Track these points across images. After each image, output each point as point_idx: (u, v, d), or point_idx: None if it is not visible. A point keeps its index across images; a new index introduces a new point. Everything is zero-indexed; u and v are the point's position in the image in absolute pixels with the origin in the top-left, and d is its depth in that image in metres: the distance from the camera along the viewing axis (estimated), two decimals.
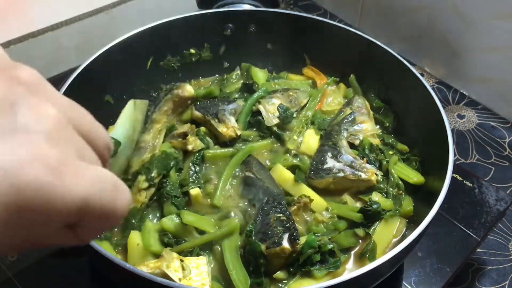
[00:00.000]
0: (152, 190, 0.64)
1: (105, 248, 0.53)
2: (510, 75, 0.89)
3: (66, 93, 0.67)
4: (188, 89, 0.73)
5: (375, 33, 0.75)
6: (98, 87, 0.73)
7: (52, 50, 1.01)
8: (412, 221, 0.65)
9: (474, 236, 0.72)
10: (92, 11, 1.04)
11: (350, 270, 0.60)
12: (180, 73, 0.79)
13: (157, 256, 0.58)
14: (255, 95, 0.74)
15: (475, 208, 0.74)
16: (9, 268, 0.69)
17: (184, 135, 0.68)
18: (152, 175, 0.64)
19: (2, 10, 1.02)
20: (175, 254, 0.57)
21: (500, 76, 0.91)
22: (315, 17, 0.80)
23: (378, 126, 0.74)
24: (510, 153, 0.88)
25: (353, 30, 0.77)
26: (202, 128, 0.70)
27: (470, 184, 0.77)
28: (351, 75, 0.79)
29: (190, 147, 0.67)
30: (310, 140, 0.71)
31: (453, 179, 0.66)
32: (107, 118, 0.72)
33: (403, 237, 0.63)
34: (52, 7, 1.04)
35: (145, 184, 0.64)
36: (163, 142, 0.69)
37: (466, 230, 0.72)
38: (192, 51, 0.79)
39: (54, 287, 0.69)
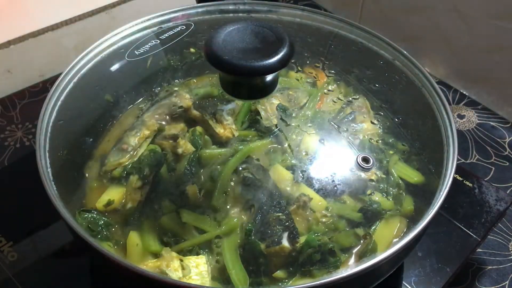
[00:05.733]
0: (147, 188, 0.64)
1: (105, 248, 0.54)
2: (510, 75, 0.89)
3: (66, 92, 0.67)
4: (186, 102, 0.73)
5: (375, 32, 0.76)
6: (97, 86, 0.73)
7: (52, 49, 1.01)
8: (413, 221, 0.65)
9: (474, 236, 0.72)
10: (92, 11, 1.04)
11: None
12: (180, 72, 0.79)
13: (156, 255, 0.58)
14: None
15: (475, 208, 0.74)
16: (9, 268, 0.69)
17: (175, 138, 0.68)
18: (145, 173, 0.64)
19: (2, 10, 1.02)
20: (174, 254, 0.57)
21: (500, 76, 0.91)
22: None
23: (378, 126, 0.74)
24: (510, 153, 0.88)
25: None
26: (198, 128, 0.70)
27: (470, 184, 0.77)
28: (352, 74, 0.79)
29: (180, 151, 0.66)
30: (310, 140, 0.70)
31: (453, 179, 0.66)
32: (107, 117, 0.72)
33: (404, 237, 0.63)
34: (52, 7, 1.05)
35: (139, 183, 0.64)
36: (151, 143, 0.69)
37: (466, 230, 0.72)
38: (192, 50, 0.79)
39: (54, 287, 0.69)
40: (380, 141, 0.71)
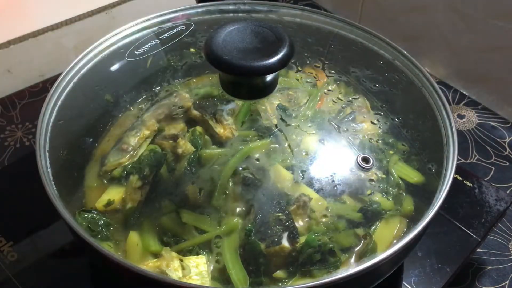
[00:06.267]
0: (147, 187, 0.64)
1: (105, 248, 0.54)
2: (510, 75, 0.89)
3: (66, 92, 0.67)
4: (186, 103, 0.73)
5: (374, 31, 0.76)
6: (97, 86, 0.73)
7: (52, 50, 1.01)
8: (413, 221, 0.65)
9: (474, 236, 0.72)
10: (92, 11, 1.04)
11: None
12: (180, 72, 0.79)
13: (156, 255, 0.58)
14: None
15: (475, 208, 0.74)
16: (9, 268, 0.69)
17: (175, 138, 0.68)
18: (145, 173, 0.64)
19: (2, 10, 1.02)
20: (174, 254, 0.57)
21: (500, 76, 0.91)
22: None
23: (378, 126, 0.74)
24: (510, 153, 0.88)
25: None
26: (198, 128, 0.70)
27: (470, 184, 0.77)
28: (352, 74, 0.79)
29: (180, 151, 0.66)
30: (310, 140, 0.70)
31: (453, 179, 0.66)
32: (107, 117, 0.72)
33: (404, 237, 0.63)
34: (52, 7, 1.05)
35: (139, 183, 0.64)
36: (151, 143, 0.69)
37: (466, 230, 0.72)
38: (192, 50, 0.79)
39: (54, 287, 0.69)
40: (380, 141, 0.71)
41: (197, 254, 0.59)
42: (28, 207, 0.75)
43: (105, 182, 0.67)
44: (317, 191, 0.65)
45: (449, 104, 0.95)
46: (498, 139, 0.90)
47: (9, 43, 0.95)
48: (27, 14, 1.02)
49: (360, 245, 0.62)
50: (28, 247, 0.72)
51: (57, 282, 0.69)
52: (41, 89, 0.96)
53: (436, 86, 0.67)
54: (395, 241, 0.63)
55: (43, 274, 0.69)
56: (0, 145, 0.87)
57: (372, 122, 0.73)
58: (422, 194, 0.66)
